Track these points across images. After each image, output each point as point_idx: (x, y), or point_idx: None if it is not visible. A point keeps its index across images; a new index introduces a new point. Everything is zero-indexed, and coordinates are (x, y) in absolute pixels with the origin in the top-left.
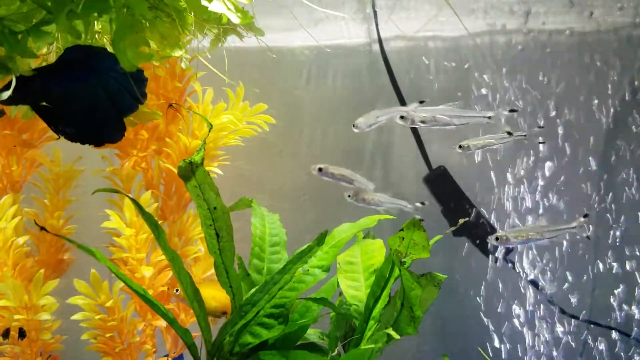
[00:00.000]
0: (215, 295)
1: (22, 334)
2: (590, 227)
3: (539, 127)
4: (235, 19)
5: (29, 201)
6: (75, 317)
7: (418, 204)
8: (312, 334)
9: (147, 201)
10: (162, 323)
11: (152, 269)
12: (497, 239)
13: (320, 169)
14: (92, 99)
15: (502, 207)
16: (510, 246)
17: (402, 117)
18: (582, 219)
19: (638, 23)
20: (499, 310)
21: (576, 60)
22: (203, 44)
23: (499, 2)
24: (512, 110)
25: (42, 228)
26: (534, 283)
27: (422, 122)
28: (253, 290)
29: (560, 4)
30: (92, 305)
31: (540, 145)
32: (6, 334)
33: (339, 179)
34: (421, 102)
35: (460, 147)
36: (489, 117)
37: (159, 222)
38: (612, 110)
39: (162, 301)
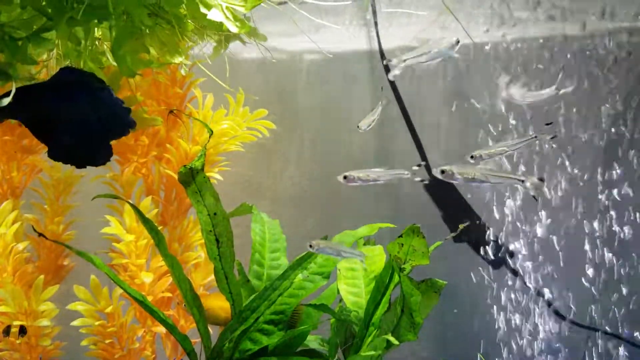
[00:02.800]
0: (223, 306)
1: (22, 330)
2: (545, 190)
3: (547, 124)
4: (233, 28)
5: (29, 207)
6: (75, 323)
7: (415, 167)
8: (312, 340)
9: (148, 207)
10: (161, 329)
11: (152, 275)
12: (442, 172)
13: (345, 177)
14: (81, 120)
15: (502, 212)
16: (455, 181)
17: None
18: (536, 179)
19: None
20: (499, 315)
21: (576, 66)
22: (204, 50)
23: (499, 7)
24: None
25: (41, 234)
26: (541, 295)
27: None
28: (253, 296)
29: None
30: (92, 312)
31: (548, 142)
32: (7, 331)
33: (368, 181)
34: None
35: (472, 157)
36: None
37: (159, 228)
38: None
39: (162, 307)
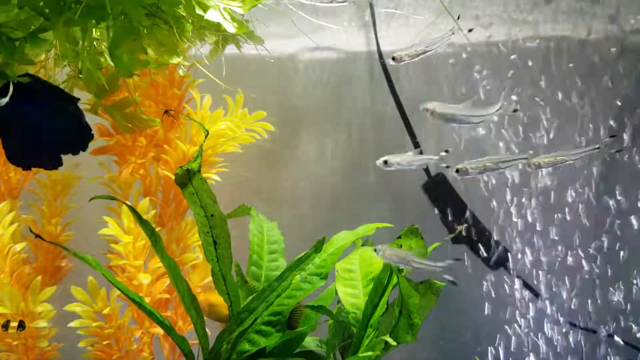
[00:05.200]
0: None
1: (21, 325)
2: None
3: (611, 136)
4: (231, 28)
5: (26, 208)
6: (72, 324)
7: (443, 153)
8: (310, 342)
9: (145, 208)
10: (159, 331)
11: (149, 276)
12: (457, 170)
13: (385, 162)
14: (34, 127)
15: (501, 214)
16: (463, 175)
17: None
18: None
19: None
20: (498, 318)
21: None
22: (202, 51)
23: (497, 9)
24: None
25: (37, 236)
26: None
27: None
28: (250, 297)
29: (558, 12)
30: (90, 313)
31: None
32: (6, 325)
33: (404, 166)
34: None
35: (529, 165)
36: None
37: (157, 229)
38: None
39: (159, 309)
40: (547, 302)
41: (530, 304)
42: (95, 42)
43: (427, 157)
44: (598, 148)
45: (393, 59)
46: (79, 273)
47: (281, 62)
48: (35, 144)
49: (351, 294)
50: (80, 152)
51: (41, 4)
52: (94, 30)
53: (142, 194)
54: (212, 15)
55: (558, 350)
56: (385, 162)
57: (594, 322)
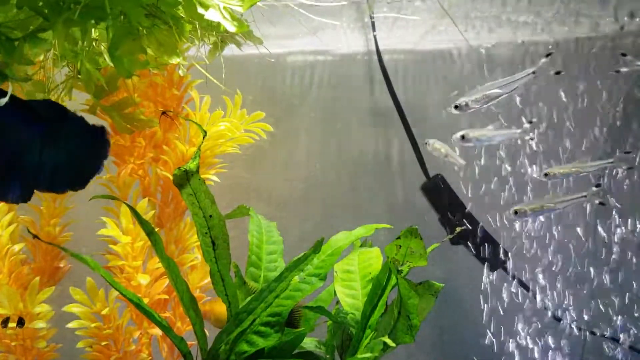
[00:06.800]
0: None
1: (20, 322)
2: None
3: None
4: (231, 27)
5: (25, 208)
6: (70, 325)
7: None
8: (309, 343)
9: (144, 209)
10: (158, 331)
11: (148, 277)
12: (515, 212)
13: (463, 137)
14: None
15: (500, 215)
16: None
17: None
18: (594, 189)
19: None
20: (497, 319)
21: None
22: (202, 51)
23: (497, 12)
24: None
25: (35, 236)
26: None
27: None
28: (249, 298)
29: (567, 13)
30: (88, 313)
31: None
32: (5, 322)
33: (487, 141)
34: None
35: (545, 175)
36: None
37: (156, 230)
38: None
39: (158, 309)
40: (547, 302)
41: (530, 304)
42: (94, 43)
43: (510, 131)
44: (611, 162)
45: (456, 107)
46: (77, 274)
47: (280, 63)
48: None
49: (350, 295)
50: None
51: (40, 3)
52: (93, 30)
53: (140, 194)
54: (212, 15)
55: (558, 351)
56: (463, 137)
57: (595, 322)
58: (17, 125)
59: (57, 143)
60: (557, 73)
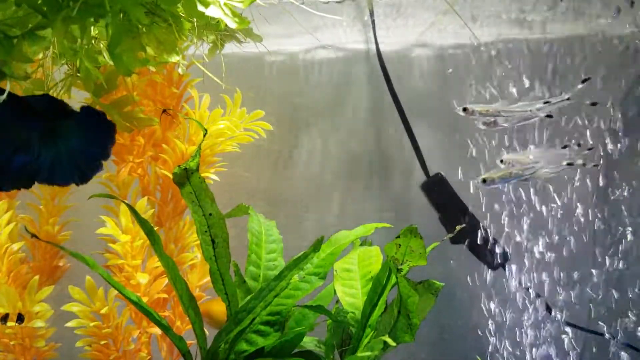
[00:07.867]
0: None
1: (20, 318)
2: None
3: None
4: (232, 23)
5: (24, 207)
6: (69, 324)
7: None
8: (309, 342)
9: (143, 207)
10: (157, 331)
11: (147, 276)
12: (484, 180)
13: (465, 109)
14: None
15: (500, 214)
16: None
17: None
18: (585, 152)
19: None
20: (498, 319)
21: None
22: (201, 49)
23: (500, 9)
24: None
25: (34, 235)
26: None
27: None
28: (249, 297)
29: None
30: (87, 313)
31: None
32: (5, 318)
33: (485, 115)
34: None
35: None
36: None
37: (155, 229)
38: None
39: (157, 309)
40: (547, 302)
41: (530, 304)
42: (93, 40)
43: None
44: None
45: (501, 162)
46: (76, 273)
47: (280, 62)
48: None
49: (350, 294)
50: None
51: (39, 1)
52: (92, 28)
53: (140, 193)
54: (213, 11)
55: (558, 351)
56: (486, 123)
57: (595, 323)
58: (19, 119)
59: (63, 133)
60: (593, 104)
